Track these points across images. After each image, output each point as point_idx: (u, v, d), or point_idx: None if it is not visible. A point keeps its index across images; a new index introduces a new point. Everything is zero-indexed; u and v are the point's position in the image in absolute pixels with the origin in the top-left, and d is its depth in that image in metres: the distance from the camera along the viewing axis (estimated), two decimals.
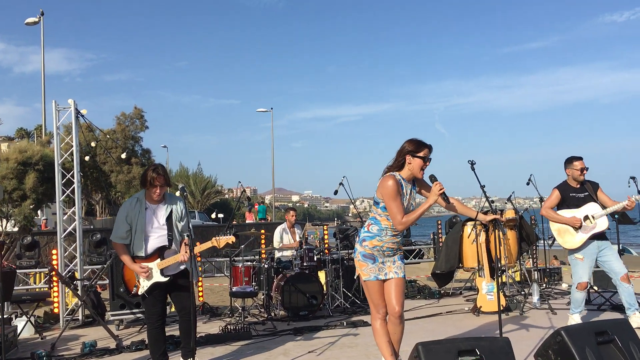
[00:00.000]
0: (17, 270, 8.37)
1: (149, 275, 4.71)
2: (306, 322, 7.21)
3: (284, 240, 8.75)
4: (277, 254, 8.67)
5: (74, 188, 7.88)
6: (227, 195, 51.82)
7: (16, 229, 17.15)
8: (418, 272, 12.48)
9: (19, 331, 6.74)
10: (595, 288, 8.01)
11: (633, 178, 6.14)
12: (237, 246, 8.29)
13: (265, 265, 7.91)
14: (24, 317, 7.20)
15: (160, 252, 4.78)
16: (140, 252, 4.73)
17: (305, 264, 7.88)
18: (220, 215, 30.35)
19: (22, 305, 7.54)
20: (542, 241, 9.62)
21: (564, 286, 9.50)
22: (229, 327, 6.59)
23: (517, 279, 9.51)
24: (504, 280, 8.54)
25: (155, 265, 4.74)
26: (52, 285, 7.97)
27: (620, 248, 7.01)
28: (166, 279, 4.75)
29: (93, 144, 10.32)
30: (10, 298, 7.20)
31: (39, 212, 21.88)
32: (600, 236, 6.00)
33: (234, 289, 7.54)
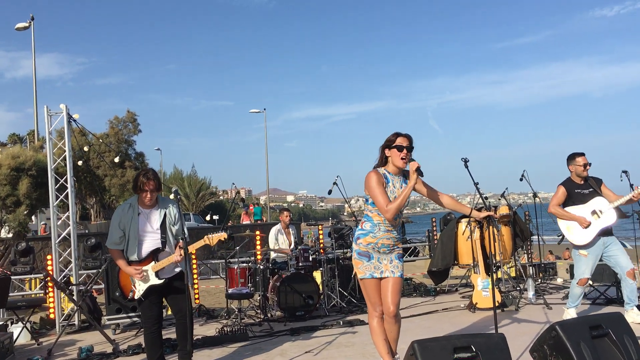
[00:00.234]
0: (12, 277, 8.34)
1: (144, 278, 4.70)
2: (303, 322, 7.21)
3: (279, 240, 8.75)
4: (273, 255, 8.67)
5: (67, 193, 7.87)
6: (222, 197, 51.80)
7: (10, 235, 17.06)
8: (414, 269, 12.51)
9: (15, 337, 6.72)
10: (590, 282, 8.04)
11: (625, 172, 6.17)
12: (233, 248, 8.30)
13: (261, 266, 7.91)
14: (20, 324, 7.18)
15: (154, 255, 4.78)
16: (134, 256, 4.74)
17: (300, 264, 7.88)
18: (216, 217, 30.31)
19: (17, 312, 7.51)
20: (536, 237, 9.69)
21: (559, 281, 9.54)
22: (225, 329, 6.59)
23: (513, 274, 9.55)
24: (499, 276, 8.58)
25: (150, 268, 4.74)
26: (47, 291, 7.94)
27: None
28: (161, 281, 4.75)
29: (86, 149, 10.31)
30: (6, 305, 7.18)
31: (33, 217, 21.80)
32: (606, 232, 5.99)
33: (230, 290, 7.55)
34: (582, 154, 6.14)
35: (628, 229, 6.54)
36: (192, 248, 5.07)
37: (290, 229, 8.96)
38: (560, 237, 6.41)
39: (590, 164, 6.10)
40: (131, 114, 23.62)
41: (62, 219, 8.14)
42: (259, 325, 7.15)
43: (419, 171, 4.08)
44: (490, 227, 5.28)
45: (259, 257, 8.65)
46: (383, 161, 4.27)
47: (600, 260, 6.13)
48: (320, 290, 7.86)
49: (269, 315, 7.68)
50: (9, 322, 7.41)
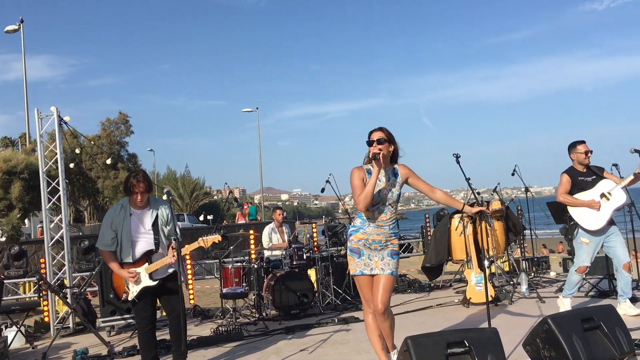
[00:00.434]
0: (6, 281, 8.32)
1: (137, 280, 4.70)
2: (298, 320, 7.23)
3: (273, 239, 8.75)
4: (267, 254, 8.68)
5: (60, 196, 7.84)
6: (216, 197, 51.66)
7: (3, 238, 16.99)
8: (408, 266, 12.53)
9: (9, 342, 6.70)
10: (583, 276, 8.08)
11: (616, 165, 6.21)
12: (227, 247, 8.30)
13: (255, 266, 7.92)
14: (14, 327, 7.15)
15: (147, 257, 4.78)
16: (128, 258, 4.73)
17: (294, 262, 7.89)
18: (210, 217, 30.26)
19: (11, 316, 7.48)
20: (529, 231, 9.73)
21: (552, 274, 9.59)
22: (220, 328, 6.60)
23: (506, 269, 9.59)
24: (492, 270, 8.62)
25: (143, 270, 4.74)
26: (41, 294, 7.92)
27: None
28: (155, 282, 4.75)
29: (77, 151, 10.28)
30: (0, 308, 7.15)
31: (26, 221, 21.70)
32: (609, 222, 5.97)
33: (225, 290, 7.55)
34: (583, 142, 6.13)
35: (620, 222, 6.56)
36: (186, 250, 5.08)
37: (284, 228, 8.97)
38: (571, 225, 6.23)
39: (591, 152, 6.08)
40: (123, 115, 23.60)
41: (55, 221, 8.12)
42: (254, 325, 7.15)
43: (374, 157, 4.08)
44: (483, 222, 5.31)
45: (253, 256, 8.65)
46: (368, 158, 4.27)
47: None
48: (314, 289, 7.88)
49: (264, 314, 7.69)
50: (3, 326, 7.38)
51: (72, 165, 11.22)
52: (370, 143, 4.19)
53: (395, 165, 4.31)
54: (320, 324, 6.83)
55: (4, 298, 7.88)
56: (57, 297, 7.46)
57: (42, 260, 7.85)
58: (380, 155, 4.10)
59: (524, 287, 7.67)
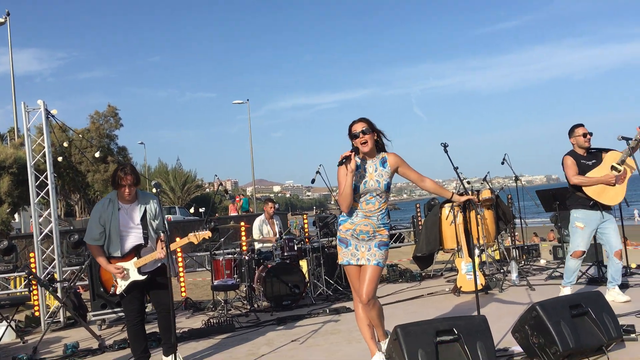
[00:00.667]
0: None
1: (125, 276, 4.69)
2: (289, 311, 7.24)
3: (263, 231, 8.75)
4: (257, 246, 8.67)
5: (48, 189, 7.79)
6: (207, 190, 51.55)
7: None
8: (399, 255, 12.56)
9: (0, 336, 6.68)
10: None
11: (606, 150, 6.21)
12: (217, 239, 8.28)
13: (246, 257, 7.91)
14: (5, 322, 7.12)
15: (136, 251, 4.76)
16: (117, 252, 4.71)
17: (286, 253, 7.90)
18: (202, 210, 30.20)
19: (1, 311, 7.44)
20: (519, 219, 9.78)
21: (542, 262, 9.65)
22: (211, 320, 6.60)
23: (497, 257, 9.64)
24: (483, 259, 8.66)
25: (132, 264, 4.72)
26: (31, 289, 7.88)
27: None
28: (144, 277, 4.73)
29: (65, 144, 10.20)
30: None
31: (16, 215, 21.57)
32: (605, 207, 5.95)
33: (216, 282, 7.55)
34: (581, 125, 6.07)
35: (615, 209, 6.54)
36: (176, 245, 5.07)
37: (275, 220, 8.96)
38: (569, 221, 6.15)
39: (591, 133, 6.01)
40: (112, 108, 23.47)
41: (44, 215, 8.07)
42: (245, 316, 7.16)
43: (340, 162, 4.04)
44: (473, 211, 5.32)
45: (244, 248, 8.64)
46: (355, 150, 4.23)
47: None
48: (306, 280, 7.88)
49: (255, 305, 7.69)
50: None
51: (60, 158, 11.14)
52: (354, 136, 4.17)
53: (384, 154, 4.27)
54: (312, 314, 6.85)
55: None
56: (47, 292, 7.43)
57: (31, 255, 7.80)
58: (352, 157, 4.05)
59: (514, 275, 7.70)
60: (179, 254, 8.76)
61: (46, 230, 7.85)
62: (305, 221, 9.40)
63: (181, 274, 8.81)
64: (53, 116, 7.80)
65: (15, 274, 8.96)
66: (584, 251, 6.07)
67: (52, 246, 7.82)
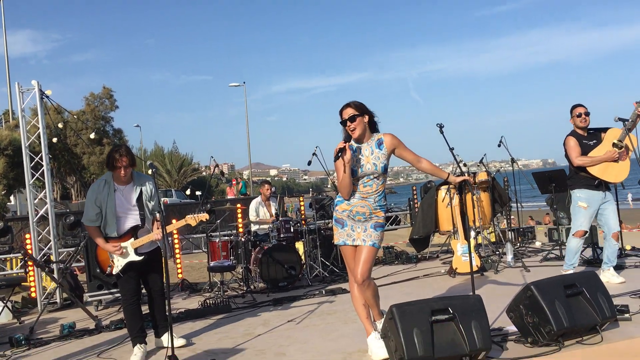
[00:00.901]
0: None
1: (123, 254, 4.69)
2: (286, 292, 7.26)
3: (260, 213, 8.75)
4: (254, 228, 8.68)
5: (43, 171, 7.76)
6: (204, 173, 51.52)
7: None
8: (396, 238, 12.62)
9: None
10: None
11: (604, 130, 6.20)
12: (214, 221, 8.28)
13: (243, 239, 7.92)
14: (1, 303, 7.13)
15: (133, 232, 4.76)
16: (113, 233, 4.71)
17: (282, 235, 7.90)
18: (198, 193, 30.20)
19: None
20: (515, 202, 9.80)
21: (537, 244, 9.69)
22: (208, 301, 6.62)
23: (492, 239, 9.67)
24: (479, 241, 8.69)
25: (129, 245, 4.72)
26: (27, 270, 7.89)
27: None
28: (141, 258, 4.74)
29: (60, 125, 10.14)
30: None
31: (12, 197, 21.51)
32: (607, 187, 5.97)
33: (212, 263, 7.55)
34: (580, 105, 6.05)
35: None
36: (173, 227, 5.07)
37: (271, 202, 8.96)
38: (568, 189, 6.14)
39: (587, 113, 5.99)
40: (107, 89, 23.31)
41: (39, 197, 8.05)
42: (242, 297, 7.18)
43: (336, 156, 4.02)
44: (469, 193, 5.32)
45: (240, 229, 8.65)
46: (348, 135, 4.20)
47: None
48: (302, 261, 7.90)
49: (251, 287, 7.72)
50: None
51: (55, 139, 11.08)
52: (344, 123, 4.14)
53: (380, 135, 4.23)
54: (308, 295, 6.87)
55: None
56: (43, 273, 7.43)
57: (27, 236, 7.79)
58: (346, 148, 4.00)
59: (509, 257, 7.74)
60: (175, 236, 8.77)
61: (42, 212, 7.83)
62: (302, 203, 9.40)
63: (178, 256, 8.83)
64: (47, 97, 7.74)
65: (12, 255, 8.97)
66: (587, 231, 6.08)
67: (47, 227, 7.81)
